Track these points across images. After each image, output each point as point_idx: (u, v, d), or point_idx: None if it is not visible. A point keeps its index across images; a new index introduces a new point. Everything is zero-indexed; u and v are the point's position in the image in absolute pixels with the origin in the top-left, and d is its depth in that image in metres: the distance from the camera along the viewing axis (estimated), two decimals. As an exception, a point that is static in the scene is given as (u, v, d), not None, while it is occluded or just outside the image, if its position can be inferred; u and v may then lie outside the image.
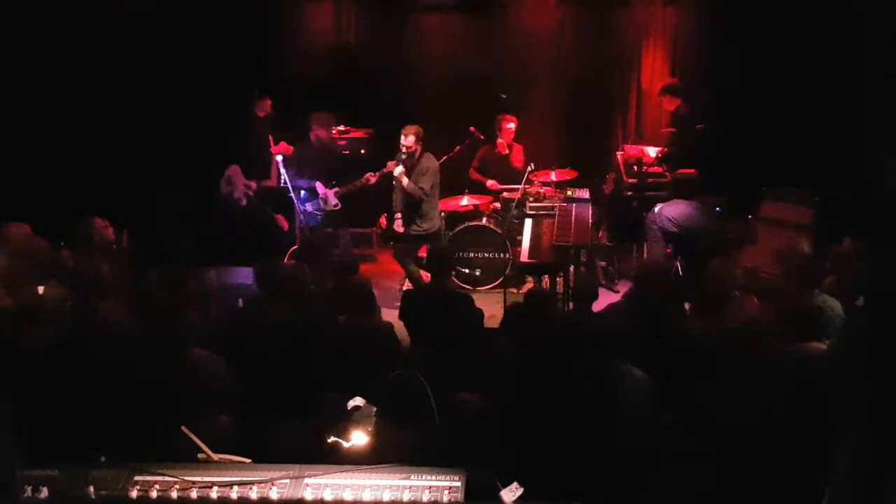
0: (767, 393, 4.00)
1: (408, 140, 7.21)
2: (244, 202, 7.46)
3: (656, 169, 7.70)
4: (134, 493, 3.17)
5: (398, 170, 7.23)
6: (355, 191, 7.75)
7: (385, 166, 7.47)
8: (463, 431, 3.78)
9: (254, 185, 7.68)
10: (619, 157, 8.12)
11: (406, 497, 3.13)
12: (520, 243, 7.20)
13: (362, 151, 8.69)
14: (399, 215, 7.53)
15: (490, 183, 8.31)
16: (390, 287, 7.82)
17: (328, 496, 3.14)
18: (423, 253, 7.40)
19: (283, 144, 7.83)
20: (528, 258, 6.85)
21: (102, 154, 7.34)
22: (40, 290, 5.12)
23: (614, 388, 4.12)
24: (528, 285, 7.61)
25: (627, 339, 4.30)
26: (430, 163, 7.41)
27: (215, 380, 4.29)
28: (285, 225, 7.67)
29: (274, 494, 3.15)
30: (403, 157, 7.25)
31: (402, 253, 7.65)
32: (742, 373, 4.12)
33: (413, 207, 7.44)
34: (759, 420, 3.91)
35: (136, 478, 3.23)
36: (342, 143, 8.58)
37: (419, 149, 7.30)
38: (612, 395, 4.10)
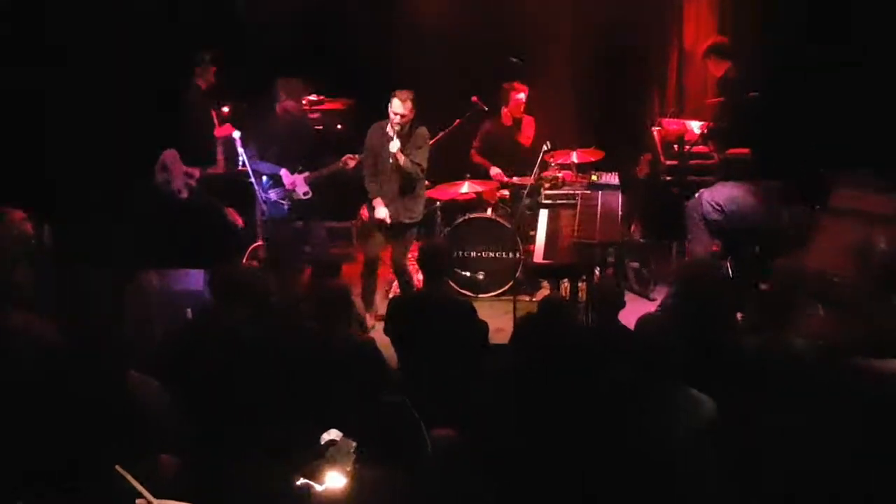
0: (845, 425, 3.98)
1: (405, 106, 7.04)
2: (185, 193, 7.41)
3: (701, 148, 7.69)
4: (56, 549, 3.15)
5: (395, 145, 7.09)
6: (330, 176, 7.72)
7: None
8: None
9: (196, 172, 7.61)
10: (655, 133, 8.10)
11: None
12: (533, 240, 7.21)
13: (339, 126, 8.67)
14: (381, 201, 7.31)
15: (494, 172, 8.28)
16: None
17: (296, 552, 3.12)
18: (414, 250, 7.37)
19: (227, 126, 7.75)
20: (544, 258, 6.86)
21: (15, 135, 7.29)
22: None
23: (666, 418, 4.06)
24: (544, 292, 7.63)
25: (666, 358, 4.27)
26: (425, 133, 7.33)
27: (156, 409, 4.27)
28: (239, 220, 7.63)
29: (229, 550, 3.14)
30: (397, 128, 7.12)
31: (397, 245, 7.53)
32: (811, 401, 4.09)
33: (406, 189, 7.32)
34: (833, 464, 3.89)
35: (60, 529, 3.21)
36: (314, 115, 8.56)
37: (412, 117, 7.17)
38: (661, 428, 4.04)
